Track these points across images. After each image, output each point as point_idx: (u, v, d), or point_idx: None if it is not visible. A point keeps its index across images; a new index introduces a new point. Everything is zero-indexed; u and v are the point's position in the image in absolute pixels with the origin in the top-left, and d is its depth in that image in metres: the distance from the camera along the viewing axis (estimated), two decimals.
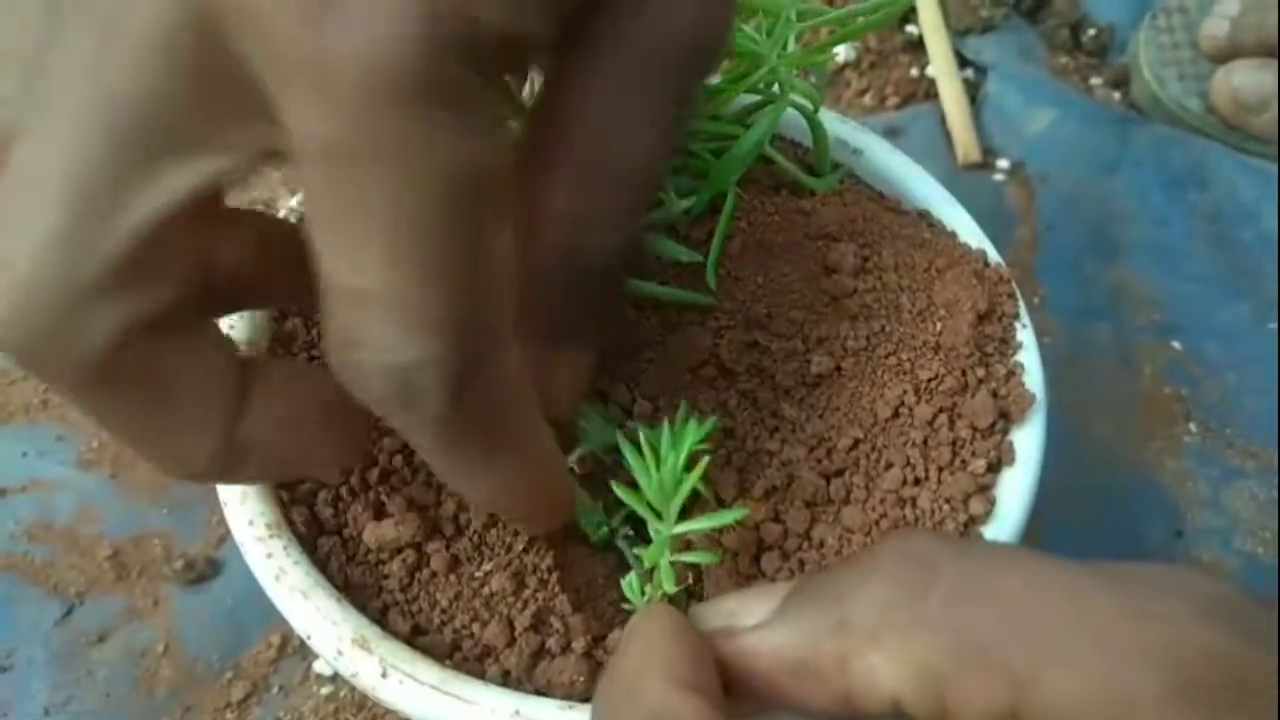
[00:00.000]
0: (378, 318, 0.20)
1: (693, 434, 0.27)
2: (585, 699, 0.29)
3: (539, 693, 0.28)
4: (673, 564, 0.28)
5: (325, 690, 0.46)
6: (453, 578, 0.31)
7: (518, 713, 0.27)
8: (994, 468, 0.32)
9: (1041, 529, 0.50)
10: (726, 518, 0.28)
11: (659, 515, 0.28)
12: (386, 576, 0.30)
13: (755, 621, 0.25)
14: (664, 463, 0.27)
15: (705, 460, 0.27)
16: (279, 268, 0.27)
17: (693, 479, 0.27)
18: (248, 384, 0.25)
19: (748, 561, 0.31)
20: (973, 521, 0.31)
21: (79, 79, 0.20)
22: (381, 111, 0.19)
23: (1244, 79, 0.66)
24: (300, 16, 0.18)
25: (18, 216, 0.21)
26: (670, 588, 0.28)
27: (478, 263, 0.21)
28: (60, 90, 0.20)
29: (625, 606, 0.31)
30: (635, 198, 0.25)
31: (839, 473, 0.32)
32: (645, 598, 0.29)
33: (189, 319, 0.23)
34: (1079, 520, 0.52)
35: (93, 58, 0.20)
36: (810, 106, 0.38)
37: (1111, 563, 0.24)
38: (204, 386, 0.24)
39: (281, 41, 0.19)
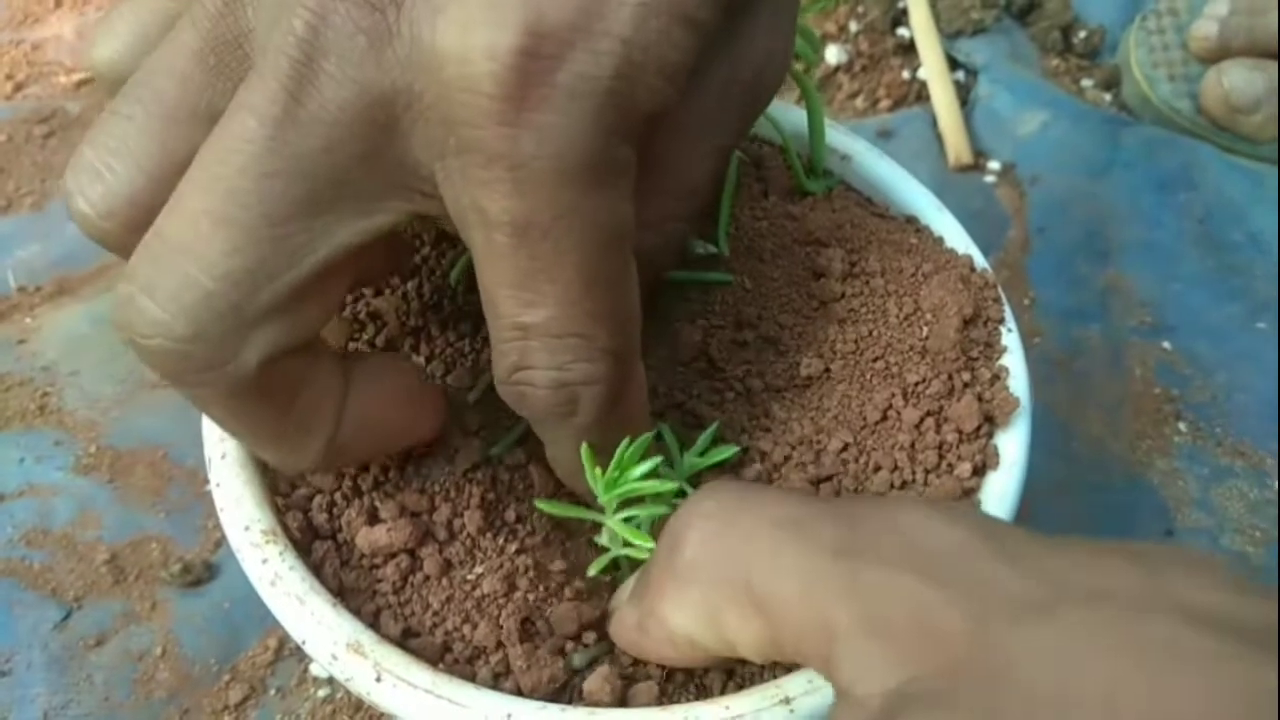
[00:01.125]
0: (551, 346, 0.25)
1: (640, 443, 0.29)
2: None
3: (530, 694, 0.29)
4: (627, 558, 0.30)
5: (322, 692, 0.46)
6: (445, 581, 0.31)
7: (510, 716, 0.27)
8: (979, 471, 0.32)
9: (1031, 529, 0.50)
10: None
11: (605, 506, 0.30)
12: (380, 581, 0.31)
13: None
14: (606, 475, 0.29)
15: (644, 465, 0.28)
16: (381, 262, 0.33)
17: (629, 479, 0.28)
18: (348, 380, 0.28)
19: None
20: None
21: (262, 137, 0.23)
22: (566, 194, 0.23)
23: (1234, 80, 0.66)
24: (500, 120, 0.22)
25: (198, 246, 0.24)
26: (592, 570, 0.31)
27: (627, 298, 0.26)
28: (237, 139, 0.23)
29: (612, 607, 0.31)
30: (692, 207, 0.31)
31: (828, 478, 0.33)
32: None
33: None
34: (1069, 519, 0.52)
35: (274, 124, 0.23)
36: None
37: (861, 499, 0.28)
38: (320, 392, 0.28)
39: (480, 140, 0.23)
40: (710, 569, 0.24)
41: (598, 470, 0.28)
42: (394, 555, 0.31)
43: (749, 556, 0.23)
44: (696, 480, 0.32)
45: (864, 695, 0.20)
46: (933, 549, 0.22)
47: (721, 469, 0.33)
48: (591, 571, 0.31)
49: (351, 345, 0.35)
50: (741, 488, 0.26)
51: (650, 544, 0.28)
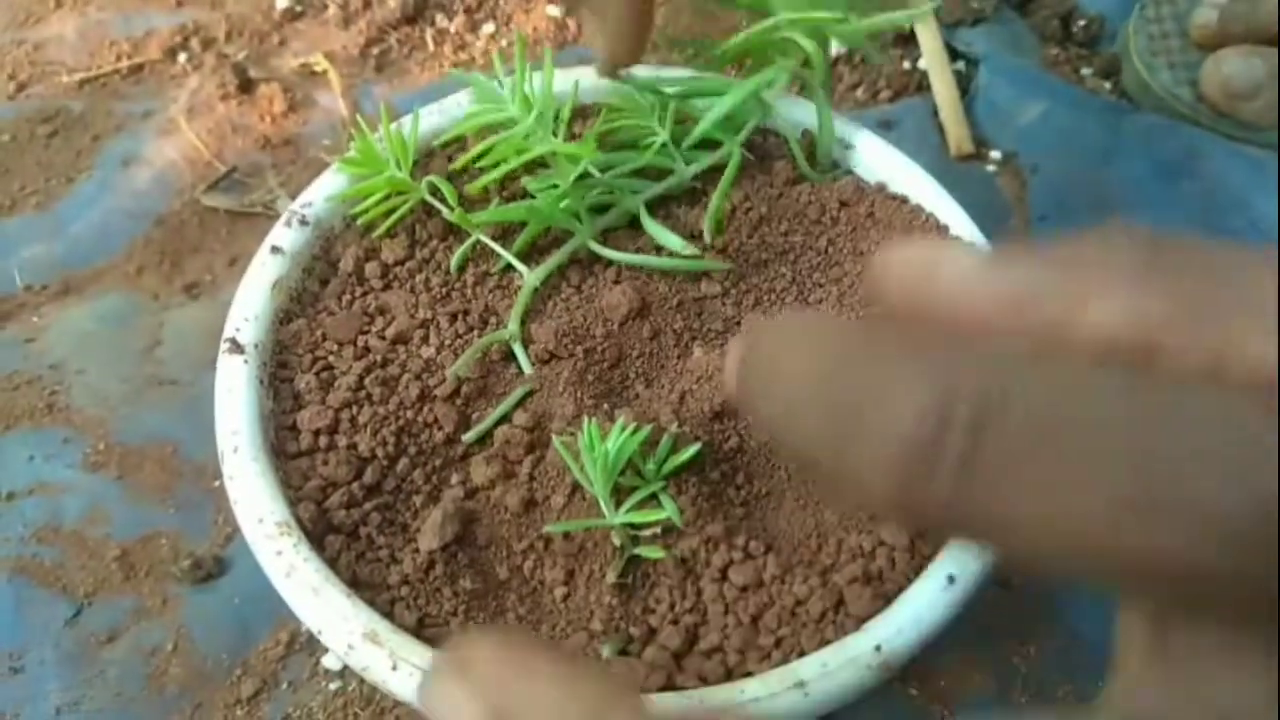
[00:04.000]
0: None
1: (622, 436, 0.30)
2: None
3: None
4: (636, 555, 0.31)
5: (334, 685, 0.46)
6: (461, 570, 0.31)
7: None
8: None
9: None
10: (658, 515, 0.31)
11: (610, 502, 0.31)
12: (392, 571, 0.31)
13: (962, 264, 0.22)
14: (597, 452, 0.30)
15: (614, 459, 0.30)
16: None
17: (611, 467, 0.30)
18: None
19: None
20: None
21: None
22: None
23: (1234, 67, 0.66)
24: None
25: None
26: (612, 576, 0.31)
27: None
28: None
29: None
30: None
31: None
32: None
33: None
34: None
35: None
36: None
37: None
38: None
39: None
40: (1185, 289, 0.20)
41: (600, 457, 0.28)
42: (418, 550, 0.31)
43: (1226, 286, 0.20)
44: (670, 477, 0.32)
45: None
46: None
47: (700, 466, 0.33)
48: (610, 578, 0.31)
49: (361, 339, 0.35)
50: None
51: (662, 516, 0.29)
